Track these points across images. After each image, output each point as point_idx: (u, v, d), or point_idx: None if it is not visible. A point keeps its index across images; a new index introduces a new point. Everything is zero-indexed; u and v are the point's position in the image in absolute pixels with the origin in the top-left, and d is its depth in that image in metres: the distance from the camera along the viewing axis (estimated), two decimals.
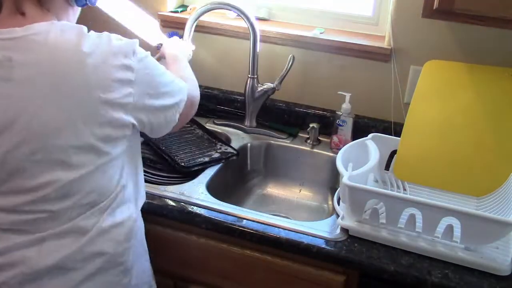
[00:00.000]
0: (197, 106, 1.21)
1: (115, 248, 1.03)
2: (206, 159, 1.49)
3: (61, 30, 0.93)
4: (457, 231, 1.12)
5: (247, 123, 1.70)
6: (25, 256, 0.96)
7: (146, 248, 1.17)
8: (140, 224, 1.13)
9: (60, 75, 0.90)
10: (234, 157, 1.53)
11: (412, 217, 1.15)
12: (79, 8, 1.07)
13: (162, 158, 1.50)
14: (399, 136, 1.41)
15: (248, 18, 1.54)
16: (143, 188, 1.16)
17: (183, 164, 1.45)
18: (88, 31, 0.97)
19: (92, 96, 0.92)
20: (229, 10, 1.65)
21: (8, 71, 0.89)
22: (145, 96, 1.00)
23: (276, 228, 1.22)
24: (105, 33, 0.97)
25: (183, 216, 1.27)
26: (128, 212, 1.06)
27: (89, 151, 0.95)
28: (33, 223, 0.96)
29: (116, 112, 0.95)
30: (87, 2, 1.04)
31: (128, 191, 1.06)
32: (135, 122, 0.99)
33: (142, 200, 1.14)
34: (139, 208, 1.13)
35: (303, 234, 1.20)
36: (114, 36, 0.98)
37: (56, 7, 0.99)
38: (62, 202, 0.96)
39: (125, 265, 1.06)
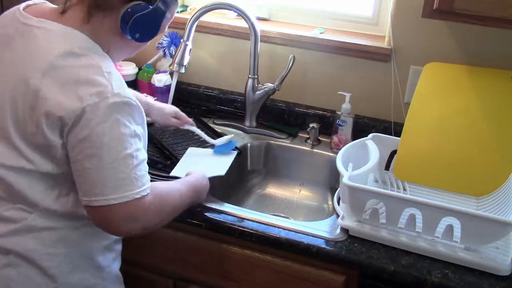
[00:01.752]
0: (139, 225, 1.00)
1: (43, 249, 1.03)
2: None
3: (62, 35, 0.98)
4: (457, 231, 1.12)
5: (247, 123, 1.70)
6: None
7: (97, 263, 1.12)
8: (82, 235, 1.08)
9: (22, 70, 0.97)
10: (237, 156, 1.53)
11: (412, 217, 1.15)
12: (136, 43, 1.07)
13: (164, 156, 1.50)
14: (399, 136, 1.41)
15: (248, 18, 1.55)
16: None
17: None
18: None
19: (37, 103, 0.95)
20: (230, 10, 1.65)
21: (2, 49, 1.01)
22: (79, 136, 0.95)
23: (276, 228, 1.22)
24: (84, 66, 0.96)
25: (183, 216, 1.26)
26: (69, 223, 1.05)
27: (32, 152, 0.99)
28: None
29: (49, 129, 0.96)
30: (134, 38, 1.04)
31: (77, 206, 1.04)
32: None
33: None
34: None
35: (303, 234, 1.20)
36: (108, 72, 0.96)
37: (100, 27, 1.02)
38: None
39: (46, 271, 1.04)
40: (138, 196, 0.97)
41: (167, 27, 1.14)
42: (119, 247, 1.19)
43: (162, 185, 1.11)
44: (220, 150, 1.47)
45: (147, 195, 0.99)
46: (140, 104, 1.01)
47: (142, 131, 1.02)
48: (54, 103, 0.93)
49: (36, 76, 0.95)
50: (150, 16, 1.04)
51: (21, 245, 1.02)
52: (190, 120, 1.52)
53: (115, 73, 0.99)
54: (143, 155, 1.00)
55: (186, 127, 1.51)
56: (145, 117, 1.04)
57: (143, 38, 1.06)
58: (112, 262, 1.17)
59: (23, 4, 1.06)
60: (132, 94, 1.00)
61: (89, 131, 0.93)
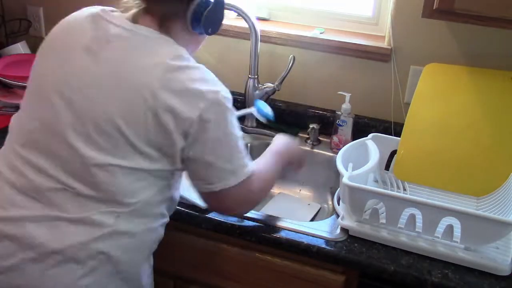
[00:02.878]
0: (250, 204, 1.15)
1: (123, 254, 1.03)
2: None
3: (162, 40, 1.02)
4: (457, 231, 1.12)
5: (247, 123, 1.70)
6: (36, 233, 0.97)
7: (151, 263, 1.17)
8: (152, 238, 1.12)
9: (134, 73, 0.98)
10: None
11: (412, 217, 1.15)
12: (201, 35, 1.11)
13: None
14: (399, 136, 1.41)
15: (248, 18, 1.55)
16: (173, 208, 1.17)
17: None
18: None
19: (149, 106, 0.97)
20: (230, 10, 1.65)
21: (100, 47, 1.01)
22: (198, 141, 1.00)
23: (276, 228, 1.22)
24: (194, 67, 1.01)
25: (183, 216, 1.26)
26: (147, 225, 1.06)
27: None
28: (52, 195, 0.98)
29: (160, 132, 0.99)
30: (203, 32, 1.08)
31: (154, 207, 1.06)
32: (181, 155, 1.02)
33: (165, 217, 1.13)
34: (160, 225, 1.12)
35: (303, 234, 1.20)
36: (208, 71, 1.02)
37: (175, 29, 1.05)
38: (88, 187, 0.98)
39: (125, 274, 1.06)
40: (249, 173, 1.06)
41: None
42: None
43: (260, 164, 1.16)
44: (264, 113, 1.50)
45: (253, 172, 1.07)
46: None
47: None
48: (178, 105, 0.96)
49: (154, 80, 0.96)
50: (217, 6, 1.08)
51: (107, 250, 1.01)
52: None
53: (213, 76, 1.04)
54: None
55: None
56: None
57: (214, 30, 1.11)
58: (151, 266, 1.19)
59: (103, 8, 1.07)
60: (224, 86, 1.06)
61: (214, 126, 0.99)
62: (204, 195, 1.09)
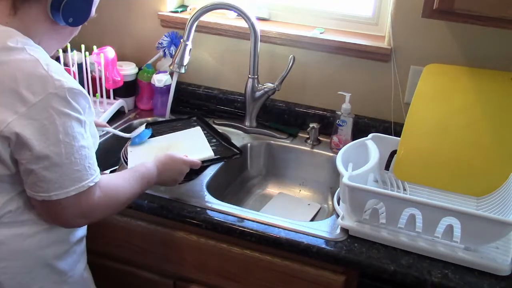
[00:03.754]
0: (89, 218, 1.04)
1: None
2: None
3: None
4: (457, 231, 1.12)
5: (247, 123, 1.70)
6: None
7: (57, 268, 1.09)
8: (33, 246, 1.05)
9: None
10: (238, 156, 1.53)
11: (412, 217, 1.15)
12: (67, 28, 1.04)
13: None
14: (399, 136, 1.41)
15: (248, 18, 1.55)
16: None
17: None
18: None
19: None
20: (229, 10, 1.65)
21: None
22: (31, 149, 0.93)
23: (276, 228, 1.22)
24: (29, 56, 0.93)
25: (183, 216, 1.26)
26: (24, 230, 1.02)
27: None
28: None
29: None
30: (67, 23, 1.00)
31: (28, 211, 1.02)
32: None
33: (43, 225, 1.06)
34: (48, 229, 1.06)
35: (303, 234, 1.20)
36: (44, 63, 0.93)
37: (27, 16, 0.98)
38: None
39: (3, 285, 1.02)
40: (92, 184, 0.99)
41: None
42: (80, 248, 1.16)
43: (112, 180, 1.08)
44: (136, 142, 1.40)
45: (98, 186, 1.01)
46: (83, 90, 0.98)
47: (88, 117, 1.01)
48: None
49: None
50: None
51: None
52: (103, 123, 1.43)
53: (52, 63, 0.96)
54: (91, 143, 1.01)
55: (104, 129, 1.43)
56: (90, 101, 1.02)
57: (76, 22, 1.02)
58: (75, 264, 1.14)
59: None
60: (74, 81, 0.97)
61: (43, 135, 0.92)
62: (37, 203, 0.99)
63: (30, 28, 0.99)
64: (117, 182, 1.09)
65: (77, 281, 1.15)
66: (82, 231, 1.17)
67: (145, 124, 1.47)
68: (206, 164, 1.46)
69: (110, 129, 1.42)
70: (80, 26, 1.07)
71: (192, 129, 1.52)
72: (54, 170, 0.94)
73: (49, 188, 0.95)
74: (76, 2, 1.00)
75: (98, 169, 1.02)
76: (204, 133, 1.60)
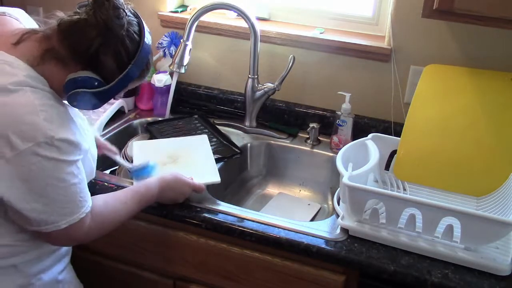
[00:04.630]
0: (82, 240, 1.06)
1: None
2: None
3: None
4: (457, 231, 1.12)
5: (247, 123, 1.70)
6: None
7: (25, 273, 1.09)
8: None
9: None
10: (238, 156, 1.53)
11: (412, 217, 1.15)
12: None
13: None
14: (399, 136, 1.41)
15: (248, 18, 1.55)
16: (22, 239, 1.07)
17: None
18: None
19: None
20: (229, 10, 1.65)
21: None
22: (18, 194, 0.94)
23: (276, 228, 1.22)
24: (27, 100, 0.92)
25: (183, 216, 1.26)
26: None
27: None
28: None
29: None
30: (67, 99, 0.99)
31: None
32: None
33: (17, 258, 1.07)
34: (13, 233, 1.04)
35: (303, 234, 1.20)
36: (32, 110, 0.91)
37: (48, 70, 0.98)
38: None
39: None
40: (83, 215, 1.01)
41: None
42: (53, 253, 1.15)
43: (107, 204, 1.09)
44: (137, 175, 1.33)
45: (88, 213, 1.02)
46: (77, 141, 0.97)
47: (80, 157, 1.00)
48: None
49: None
50: (100, 94, 1.00)
51: None
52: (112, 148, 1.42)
53: (51, 110, 0.94)
54: (83, 176, 1.01)
55: (109, 155, 1.41)
56: (84, 143, 1.01)
57: (79, 107, 1.03)
58: (46, 268, 1.14)
59: None
60: (69, 131, 0.96)
61: (27, 177, 0.92)
62: (31, 231, 1.01)
63: (48, 76, 0.98)
64: (112, 208, 1.11)
65: (45, 285, 1.14)
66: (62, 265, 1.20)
67: (148, 160, 1.38)
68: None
69: (119, 159, 1.40)
70: None
71: (199, 137, 1.52)
72: (43, 212, 0.96)
73: (40, 224, 0.98)
74: (89, 96, 0.99)
75: (89, 198, 1.03)
76: (206, 132, 1.61)
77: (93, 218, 1.04)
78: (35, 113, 0.92)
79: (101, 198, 1.10)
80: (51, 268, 1.15)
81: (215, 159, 1.46)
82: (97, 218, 1.05)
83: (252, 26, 1.56)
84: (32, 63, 0.96)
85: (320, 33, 1.64)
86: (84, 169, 1.03)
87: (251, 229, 1.21)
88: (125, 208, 1.13)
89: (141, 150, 1.44)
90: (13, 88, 0.92)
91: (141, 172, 1.33)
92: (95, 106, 1.03)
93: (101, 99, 1.02)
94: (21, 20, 1.07)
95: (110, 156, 1.40)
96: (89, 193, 1.04)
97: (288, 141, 1.65)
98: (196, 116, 1.61)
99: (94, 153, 1.15)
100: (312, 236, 1.19)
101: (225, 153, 1.53)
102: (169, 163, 1.39)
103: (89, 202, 1.03)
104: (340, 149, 1.36)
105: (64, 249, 1.19)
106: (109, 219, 1.10)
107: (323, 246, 1.16)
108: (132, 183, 1.32)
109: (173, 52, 1.73)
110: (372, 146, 1.38)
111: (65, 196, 0.97)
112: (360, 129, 1.60)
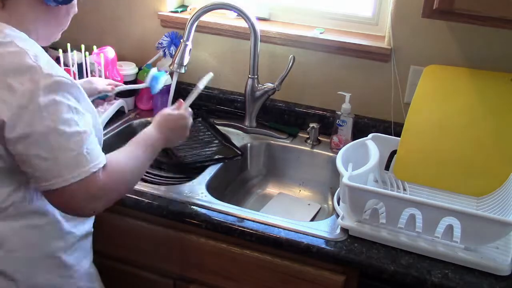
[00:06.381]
0: (102, 201, 1.00)
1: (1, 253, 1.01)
2: (209, 156, 1.50)
3: None
4: (457, 231, 1.12)
5: (247, 123, 1.70)
6: None
7: (64, 262, 1.11)
8: (47, 234, 1.07)
9: None
10: (239, 158, 1.53)
11: (412, 217, 1.15)
12: (63, 8, 1.03)
13: (165, 154, 1.51)
14: (399, 136, 1.41)
15: (248, 18, 1.54)
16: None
17: (186, 161, 1.47)
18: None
19: None
20: (229, 10, 1.65)
21: None
22: (18, 133, 0.92)
23: (276, 228, 1.22)
24: (17, 48, 0.93)
25: (183, 216, 1.27)
26: (32, 221, 1.04)
27: None
28: None
29: None
30: (58, 3, 0.99)
31: (34, 202, 1.03)
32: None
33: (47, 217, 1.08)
34: (55, 221, 1.07)
35: (303, 234, 1.20)
36: (33, 55, 0.93)
37: (16, 5, 0.97)
38: None
39: (7, 275, 1.03)
40: (95, 169, 0.96)
41: None
42: (86, 244, 1.17)
43: (117, 157, 1.05)
44: (157, 88, 1.47)
45: (103, 168, 0.98)
46: (74, 82, 0.98)
47: (83, 107, 0.99)
48: None
49: None
50: None
51: None
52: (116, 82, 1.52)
53: (42, 55, 0.95)
54: (89, 129, 0.98)
55: (117, 89, 1.50)
56: (85, 95, 1.01)
57: None
58: (80, 260, 1.15)
59: None
60: (65, 73, 0.97)
61: (30, 120, 0.91)
62: (45, 194, 0.98)
63: (22, 18, 0.98)
64: (120, 159, 1.05)
65: (82, 276, 1.16)
66: (88, 226, 1.18)
67: (155, 68, 1.47)
68: (206, 164, 1.47)
69: (123, 86, 1.45)
70: (75, 3, 1.05)
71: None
72: (45, 157, 0.93)
73: (47, 176, 0.94)
74: None
75: (101, 155, 0.99)
76: (208, 134, 1.62)
77: (106, 172, 0.99)
78: (28, 58, 0.92)
79: (111, 155, 1.04)
80: (84, 259, 1.17)
81: (216, 159, 1.46)
82: (109, 171, 0.99)
83: (252, 26, 1.56)
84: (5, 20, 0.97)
85: (320, 33, 1.64)
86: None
87: (251, 229, 1.21)
88: (134, 157, 1.08)
89: None
90: (3, 41, 0.93)
91: (155, 80, 1.44)
92: None
93: None
94: None
95: (117, 89, 1.49)
96: (101, 151, 1.00)
97: (288, 141, 1.65)
98: (199, 119, 1.63)
99: (99, 135, 1.11)
100: (312, 236, 1.19)
101: (226, 154, 1.53)
102: None
103: (101, 159, 0.98)
104: (340, 149, 1.36)
105: (90, 242, 1.19)
106: (122, 171, 1.04)
107: (323, 246, 1.16)
108: None
109: (173, 52, 1.73)
110: (372, 146, 1.38)
111: (67, 142, 0.93)
112: (360, 129, 1.60)
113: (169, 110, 1.25)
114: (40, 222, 1.05)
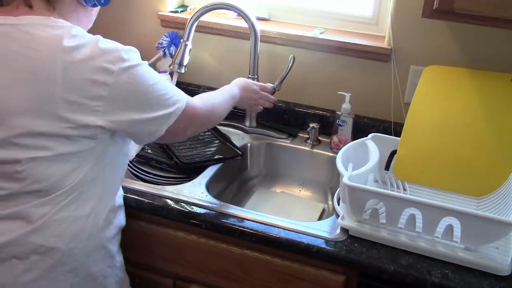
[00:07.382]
0: (202, 125, 1.24)
1: (64, 244, 1.03)
2: (209, 156, 1.50)
3: (51, 26, 0.98)
4: (457, 231, 1.12)
5: (247, 123, 1.70)
6: None
7: (111, 252, 1.16)
8: (98, 224, 1.11)
9: (32, 66, 0.95)
10: (239, 158, 1.53)
11: (412, 217, 1.15)
12: (94, 9, 1.11)
13: (166, 154, 1.51)
14: (399, 136, 1.41)
15: (248, 18, 1.55)
16: (116, 190, 1.17)
17: (186, 161, 1.47)
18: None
19: (53, 92, 0.94)
20: (229, 10, 1.65)
21: None
22: (119, 105, 1.01)
23: (276, 228, 1.22)
24: (96, 36, 1.01)
25: (183, 216, 1.27)
26: (86, 210, 1.06)
27: (46, 139, 0.97)
28: None
29: (76, 113, 0.96)
30: (96, 3, 1.08)
31: (89, 190, 1.06)
32: (104, 126, 1.00)
33: (111, 201, 1.14)
34: (105, 209, 1.12)
35: (303, 234, 1.20)
36: (103, 40, 1.01)
37: (64, 7, 1.03)
38: (10, 183, 0.98)
39: (72, 264, 1.06)
40: (189, 100, 1.12)
41: None
42: (119, 236, 1.22)
43: (201, 97, 1.22)
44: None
45: (189, 100, 1.13)
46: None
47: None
48: (85, 83, 0.96)
49: (56, 68, 0.94)
50: None
51: (44, 242, 1.01)
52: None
53: (101, 38, 1.03)
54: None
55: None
56: None
57: (106, 0, 1.10)
58: (118, 250, 1.21)
59: None
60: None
61: (133, 89, 1.00)
62: (157, 139, 1.11)
63: (70, 19, 1.04)
64: (209, 97, 1.24)
65: (121, 266, 1.21)
66: (123, 218, 1.22)
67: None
68: (206, 164, 1.47)
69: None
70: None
71: None
72: (156, 110, 1.05)
73: (163, 120, 1.06)
74: None
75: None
76: (207, 134, 1.62)
77: (199, 102, 1.16)
78: (103, 42, 1.00)
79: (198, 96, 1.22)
80: (119, 251, 1.22)
81: (216, 159, 1.46)
82: (200, 102, 1.16)
83: (252, 26, 1.56)
84: (53, 15, 1.02)
85: (320, 33, 1.64)
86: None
87: (251, 229, 1.21)
88: (222, 96, 1.30)
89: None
90: (79, 33, 1.00)
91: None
92: None
93: None
94: None
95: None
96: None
97: (288, 141, 1.65)
98: None
99: None
100: (312, 236, 1.19)
101: (226, 154, 1.53)
102: None
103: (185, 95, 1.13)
104: (340, 149, 1.36)
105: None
106: (211, 103, 1.23)
107: (323, 246, 1.16)
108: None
109: (173, 52, 1.73)
110: (372, 146, 1.38)
111: (165, 87, 1.06)
112: (360, 129, 1.60)
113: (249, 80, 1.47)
114: (85, 212, 1.07)
